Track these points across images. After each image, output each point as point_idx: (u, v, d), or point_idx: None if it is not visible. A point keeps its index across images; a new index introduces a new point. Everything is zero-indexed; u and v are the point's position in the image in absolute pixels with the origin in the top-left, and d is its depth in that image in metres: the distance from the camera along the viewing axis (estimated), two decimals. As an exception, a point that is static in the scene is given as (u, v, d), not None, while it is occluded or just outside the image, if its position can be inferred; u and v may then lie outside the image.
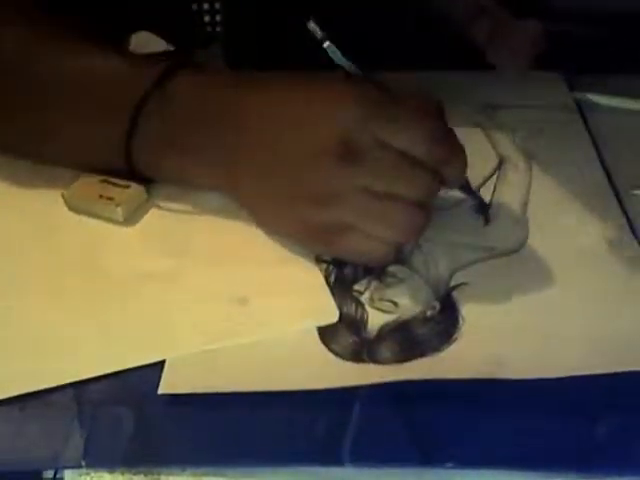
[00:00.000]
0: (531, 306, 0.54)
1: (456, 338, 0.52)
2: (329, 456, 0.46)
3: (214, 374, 0.50)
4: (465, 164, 0.54)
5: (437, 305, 0.55)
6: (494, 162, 0.66)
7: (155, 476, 0.46)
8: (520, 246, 0.59)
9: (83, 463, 0.45)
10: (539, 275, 0.57)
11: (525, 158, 0.66)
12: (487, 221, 0.61)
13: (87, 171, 0.61)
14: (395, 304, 0.55)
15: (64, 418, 0.47)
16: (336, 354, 0.51)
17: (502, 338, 0.52)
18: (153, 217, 0.60)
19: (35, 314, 0.54)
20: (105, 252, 0.58)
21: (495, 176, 0.64)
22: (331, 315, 0.53)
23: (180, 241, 0.59)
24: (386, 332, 0.53)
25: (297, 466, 0.46)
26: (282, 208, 0.54)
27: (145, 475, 0.46)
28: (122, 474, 0.46)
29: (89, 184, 0.61)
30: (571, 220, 0.61)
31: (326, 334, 0.52)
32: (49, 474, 0.46)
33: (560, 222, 0.61)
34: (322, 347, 0.52)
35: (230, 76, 0.58)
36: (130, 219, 0.60)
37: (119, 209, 0.59)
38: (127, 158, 0.57)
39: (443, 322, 0.53)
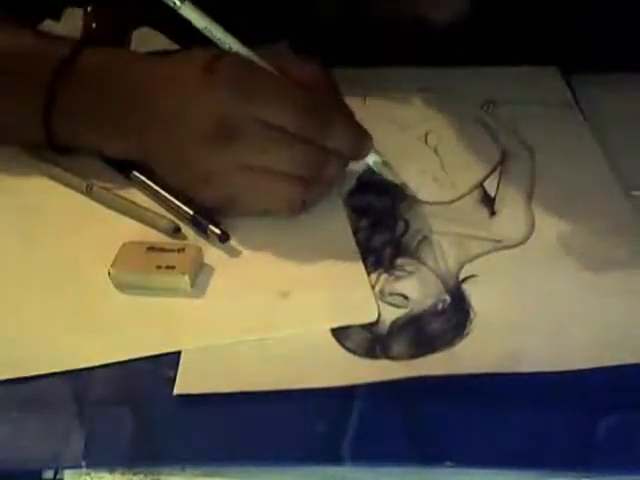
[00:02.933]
0: (541, 298, 0.52)
1: (468, 332, 0.50)
2: (329, 455, 0.44)
3: (228, 374, 0.48)
4: (353, 133, 0.54)
5: (447, 298, 0.52)
6: (497, 156, 0.63)
7: (155, 476, 0.44)
8: (526, 237, 0.57)
9: (83, 463, 0.44)
10: (547, 266, 0.54)
11: (527, 151, 0.64)
12: (492, 213, 0.58)
13: (6, 144, 0.59)
14: (406, 298, 0.52)
15: (64, 418, 0.46)
16: (350, 351, 0.49)
17: (516, 331, 0.50)
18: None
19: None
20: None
21: (498, 170, 0.62)
22: (371, 313, 0.51)
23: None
24: (398, 327, 0.50)
25: (297, 465, 0.45)
26: (178, 183, 0.56)
27: (145, 475, 0.44)
28: (122, 474, 0.44)
29: (136, 254, 0.53)
30: (576, 210, 0.58)
31: (339, 331, 0.50)
32: (49, 474, 0.45)
33: (566, 213, 0.58)
34: (336, 344, 0.50)
35: (130, 54, 0.59)
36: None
37: (186, 277, 0.52)
38: (47, 131, 0.57)
39: (455, 316, 0.51)
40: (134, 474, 0.44)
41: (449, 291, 0.53)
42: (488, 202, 0.59)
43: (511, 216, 0.58)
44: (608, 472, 0.44)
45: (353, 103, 0.64)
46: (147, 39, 0.67)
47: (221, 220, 0.55)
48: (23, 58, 0.57)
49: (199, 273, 0.53)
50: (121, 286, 0.52)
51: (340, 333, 0.50)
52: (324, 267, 0.54)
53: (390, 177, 0.58)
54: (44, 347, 0.49)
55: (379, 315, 0.51)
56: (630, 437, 0.45)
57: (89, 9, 0.65)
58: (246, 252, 0.55)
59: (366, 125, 0.63)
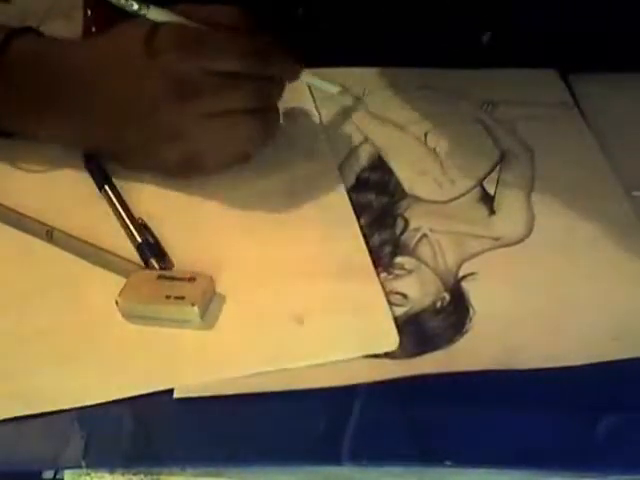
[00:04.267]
0: (540, 294, 0.51)
1: (468, 330, 0.49)
2: (329, 455, 0.44)
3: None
4: (287, 59, 0.57)
5: (447, 296, 0.51)
6: (496, 156, 0.62)
7: (155, 476, 0.44)
8: (526, 235, 0.56)
9: (83, 463, 0.44)
10: (546, 264, 0.53)
11: (527, 151, 0.62)
12: (492, 212, 0.57)
13: None
14: (405, 296, 0.51)
15: (64, 418, 0.45)
16: None
17: (515, 328, 0.49)
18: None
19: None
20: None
21: (498, 168, 0.61)
22: (392, 342, 0.48)
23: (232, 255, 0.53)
24: (398, 326, 0.49)
25: (297, 465, 0.44)
26: (139, 152, 0.56)
27: (145, 475, 0.44)
28: (122, 474, 0.44)
29: (145, 283, 0.50)
30: (576, 209, 0.57)
31: None
32: (49, 474, 0.45)
33: (565, 211, 0.57)
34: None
35: (64, 40, 0.58)
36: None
37: (195, 308, 0.49)
38: None
39: (454, 313, 0.50)
40: (134, 474, 0.44)
41: (448, 289, 0.52)
42: (487, 201, 0.58)
43: (510, 214, 0.57)
44: (608, 472, 0.44)
45: (352, 102, 0.64)
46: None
47: (166, 252, 0.53)
48: None
49: (210, 303, 0.50)
50: (129, 316, 0.49)
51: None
52: (339, 287, 0.51)
53: (325, 87, 0.61)
54: (48, 382, 0.47)
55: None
56: (630, 436, 0.45)
57: (89, 13, 0.64)
58: (258, 275, 0.52)
59: (365, 124, 0.63)
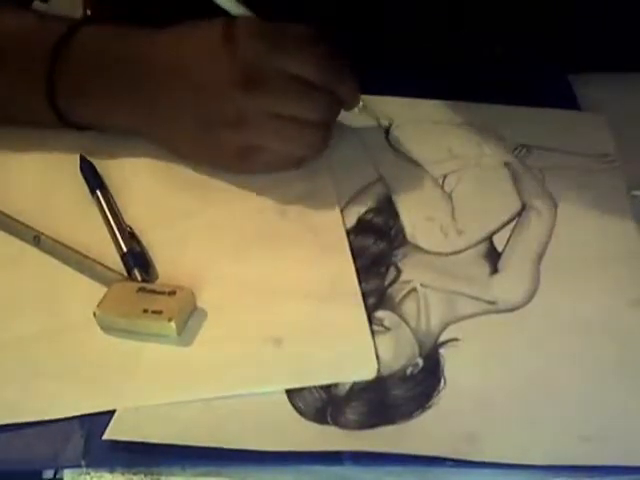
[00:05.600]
0: (520, 379, 0.46)
1: (432, 405, 0.45)
2: (329, 455, 0.43)
3: (163, 423, 0.44)
4: (357, 83, 0.57)
5: (420, 362, 0.47)
6: (516, 208, 0.57)
7: (155, 476, 0.43)
8: (524, 303, 0.51)
9: (83, 463, 0.43)
10: (538, 342, 0.48)
11: (550, 206, 0.57)
12: (494, 271, 0.52)
13: (17, 125, 0.57)
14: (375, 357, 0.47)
15: (64, 418, 0.45)
16: (298, 411, 0.45)
17: (483, 411, 0.45)
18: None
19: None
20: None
21: (514, 223, 0.56)
22: (370, 370, 0.46)
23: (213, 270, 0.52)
24: (358, 390, 0.46)
25: (297, 465, 0.43)
26: (200, 137, 0.55)
27: (145, 475, 0.43)
28: (122, 474, 0.43)
29: (125, 295, 0.49)
30: (589, 282, 0.52)
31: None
32: (49, 474, 0.44)
33: (577, 281, 0.52)
34: (285, 400, 0.45)
35: (133, 27, 0.57)
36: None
37: (172, 324, 0.48)
38: (53, 108, 0.57)
39: (422, 384, 0.46)
40: (134, 474, 0.43)
41: (424, 355, 0.47)
42: (493, 258, 0.53)
43: (514, 276, 0.52)
44: (608, 472, 0.41)
45: (376, 132, 0.61)
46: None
47: (149, 263, 0.52)
48: (24, 37, 0.57)
49: (189, 318, 0.49)
50: (107, 328, 0.48)
51: (293, 388, 0.46)
52: (323, 311, 0.49)
53: (373, 116, 0.60)
54: (24, 393, 0.47)
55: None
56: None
57: (88, 12, 0.63)
58: (242, 293, 0.51)
59: (383, 159, 0.60)
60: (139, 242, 0.53)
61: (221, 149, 0.55)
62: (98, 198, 0.56)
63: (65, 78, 0.56)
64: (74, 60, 0.55)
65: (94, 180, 0.57)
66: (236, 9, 0.55)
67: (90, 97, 0.56)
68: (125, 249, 0.53)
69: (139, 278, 0.51)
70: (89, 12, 0.65)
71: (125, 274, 0.51)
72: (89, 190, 0.57)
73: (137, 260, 0.52)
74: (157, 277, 0.52)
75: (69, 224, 0.55)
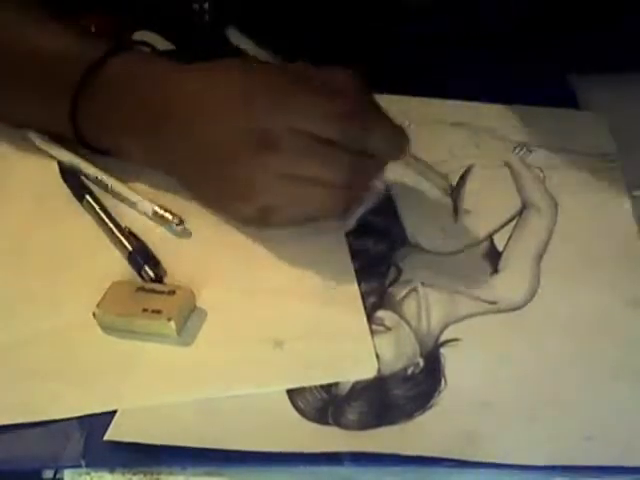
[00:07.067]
0: (521, 378, 0.46)
1: (433, 405, 0.44)
2: (330, 456, 0.42)
3: (164, 424, 0.44)
4: (390, 135, 0.52)
5: (421, 362, 0.47)
6: (516, 207, 0.56)
7: (155, 476, 0.43)
8: (525, 303, 0.50)
9: (83, 463, 0.43)
10: (538, 342, 0.48)
11: (551, 206, 0.57)
12: (495, 271, 0.52)
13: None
14: (376, 357, 0.47)
15: (64, 418, 0.45)
16: (300, 411, 0.45)
17: (482, 411, 0.44)
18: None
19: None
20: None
21: (514, 222, 0.55)
22: (370, 369, 0.46)
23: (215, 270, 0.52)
24: (359, 390, 0.45)
25: (297, 465, 0.42)
26: (214, 200, 0.53)
27: (145, 475, 0.43)
28: (122, 474, 0.43)
29: (124, 295, 0.49)
30: (589, 282, 0.51)
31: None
32: (49, 474, 0.43)
33: (577, 280, 0.51)
34: (286, 401, 0.45)
35: (160, 64, 0.56)
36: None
37: (172, 323, 0.48)
38: (75, 132, 0.56)
39: (423, 383, 0.46)
40: (134, 474, 0.43)
41: (424, 355, 0.47)
42: (493, 257, 0.53)
43: (514, 276, 0.52)
44: (608, 472, 0.41)
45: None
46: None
47: (159, 260, 0.52)
48: (59, 57, 0.56)
49: (189, 318, 0.48)
50: (106, 328, 0.48)
51: (294, 388, 0.45)
52: (323, 311, 0.49)
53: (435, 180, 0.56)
54: (24, 393, 0.46)
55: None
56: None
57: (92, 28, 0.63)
58: (242, 294, 0.50)
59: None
60: (141, 241, 0.53)
61: (236, 213, 0.53)
62: (89, 203, 0.55)
63: (89, 106, 0.55)
64: (98, 92, 0.55)
65: (82, 186, 0.56)
66: (253, 49, 0.55)
67: (109, 130, 0.55)
68: (130, 248, 0.52)
69: (151, 275, 0.50)
70: (93, 28, 0.64)
71: (123, 274, 0.51)
72: (75, 197, 0.56)
73: (146, 258, 0.51)
74: (165, 273, 0.51)
75: (61, 231, 0.54)
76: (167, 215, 0.54)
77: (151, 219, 0.54)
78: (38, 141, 0.58)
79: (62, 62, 0.55)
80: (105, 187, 0.56)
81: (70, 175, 0.57)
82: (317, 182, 0.50)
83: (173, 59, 0.56)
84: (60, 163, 0.57)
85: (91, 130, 0.56)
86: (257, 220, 0.52)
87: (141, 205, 0.55)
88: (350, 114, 0.49)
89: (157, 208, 0.54)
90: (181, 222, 0.53)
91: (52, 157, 0.58)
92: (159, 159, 0.54)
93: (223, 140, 0.50)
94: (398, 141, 0.52)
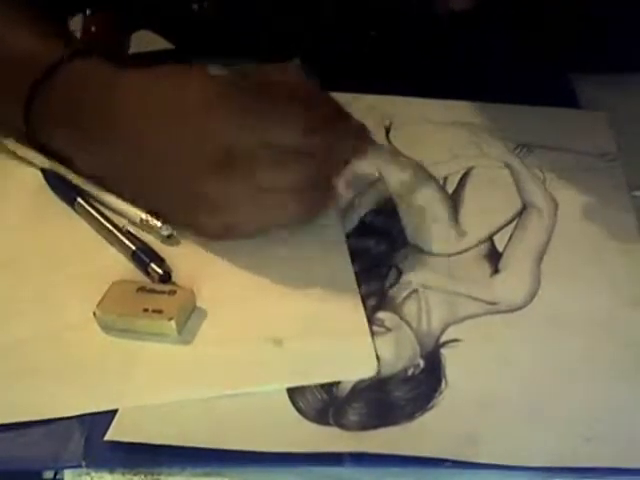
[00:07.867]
0: (521, 379, 0.46)
1: (433, 405, 0.44)
2: (330, 456, 0.42)
3: (165, 424, 0.44)
4: (353, 136, 0.52)
5: (421, 363, 0.47)
6: (516, 208, 0.56)
7: (155, 476, 0.42)
8: (525, 303, 0.50)
9: (83, 463, 0.43)
10: (539, 342, 0.48)
11: (551, 205, 0.56)
12: (495, 271, 0.52)
13: None
14: (377, 358, 0.46)
15: (64, 418, 0.44)
16: (300, 412, 0.44)
17: (483, 412, 0.44)
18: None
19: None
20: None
21: (514, 223, 0.55)
22: (370, 368, 0.46)
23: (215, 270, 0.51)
24: (360, 391, 0.45)
25: (297, 465, 0.42)
26: (179, 215, 0.52)
27: (145, 475, 0.43)
28: (122, 474, 0.42)
29: (124, 295, 0.49)
30: (590, 282, 0.51)
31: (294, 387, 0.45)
32: (49, 474, 0.43)
33: (578, 280, 0.51)
34: (287, 401, 0.45)
35: (111, 71, 0.54)
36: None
37: (172, 323, 0.48)
38: (27, 132, 0.56)
39: (424, 384, 0.45)
40: (134, 474, 0.43)
41: (425, 355, 0.47)
42: (494, 258, 0.53)
43: (515, 277, 0.51)
44: (609, 474, 0.41)
45: (376, 132, 0.60)
46: (146, 42, 0.64)
47: (164, 258, 0.52)
48: (16, 60, 0.55)
49: (189, 318, 0.48)
50: (107, 328, 0.48)
51: (295, 389, 0.45)
52: (322, 310, 0.49)
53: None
54: (24, 393, 0.46)
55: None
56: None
57: (88, 12, 0.63)
58: (242, 293, 0.50)
59: (385, 161, 0.59)
60: (141, 240, 0.52)
61: (201, 228, 0.52)
62: (81, 205, 0.54)
63: (42, 111, 0.54)
64: (52, 97, 0.54)
65: (70, 190, 0.55)
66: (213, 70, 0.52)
67: (57, 140, 0.55)
68: (134, 247, 0.51)
69: (159, 272, 0.50)
70: (94, 29, 0.63)
71: (122, 275, 0.51)
72: (65, 201, 0.55)
73: (151, 255, 0.51)
74: (172, 271, 0.51)
75: (59, 231, 0.54)
76: (156, 222, 0.53)
77: (139, 227, 0.53)
78: (20, 150, 0.58)
79: (20, 65, 0.55)
80: (89, 195, 0.55)
81: (56, 180, 0.56)
82: (281, 190, 0.50)
83: (173, 59, 0.55)
84: (44, 170, 0.57)
85: (42, 132, 0.55)
86: (223, 235, 0.51)
87: (127, 212, 0.54)
88: (315, 121, 0.49)
89: (144, 215, 0.53)
90: (168, 229, 0.52)
91: (34, 165, 0.57)
92: (106, 172, 0.53)
93: (186, 157, 0.49)
94: (360, 143, 0.53)
